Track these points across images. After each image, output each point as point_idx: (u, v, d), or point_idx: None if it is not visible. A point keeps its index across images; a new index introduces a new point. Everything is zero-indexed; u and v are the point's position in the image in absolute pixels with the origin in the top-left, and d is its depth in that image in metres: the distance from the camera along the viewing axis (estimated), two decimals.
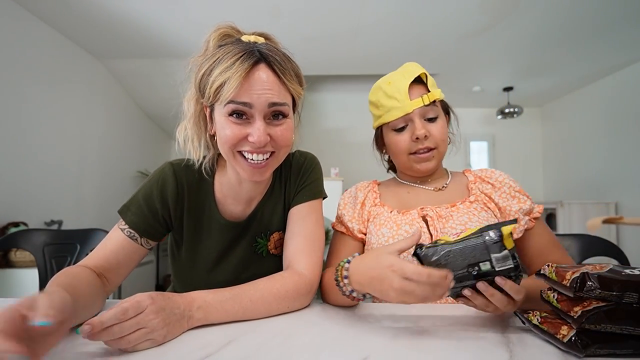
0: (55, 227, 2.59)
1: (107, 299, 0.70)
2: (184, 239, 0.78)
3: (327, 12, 2.59)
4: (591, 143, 4.07)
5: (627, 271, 0.47)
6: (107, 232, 0.77)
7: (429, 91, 0.85)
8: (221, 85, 0.62)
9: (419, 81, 0.86)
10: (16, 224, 2.21)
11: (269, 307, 0.64)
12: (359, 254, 0.65)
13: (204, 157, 0.76)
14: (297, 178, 0.82)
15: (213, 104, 0.67)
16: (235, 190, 0.78)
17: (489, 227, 0.54)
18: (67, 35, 2.75)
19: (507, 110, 4.29)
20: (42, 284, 1.14)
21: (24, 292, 2.08)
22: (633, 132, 3.50)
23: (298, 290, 0.67)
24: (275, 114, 0.67)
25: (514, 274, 0.53)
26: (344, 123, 4.91)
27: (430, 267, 0.52)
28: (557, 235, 0.97)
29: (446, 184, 0.91)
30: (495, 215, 0.82)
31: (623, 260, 1.01)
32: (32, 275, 2.09)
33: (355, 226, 0.87)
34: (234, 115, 0.64)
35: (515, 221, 0.55)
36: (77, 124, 2.93)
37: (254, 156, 0.67)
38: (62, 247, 1.19)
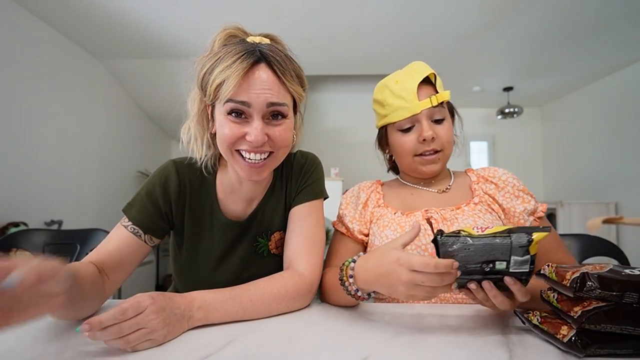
0: (55, 227, 2.59)
1: (108, 299, 0.70)
2: (185, 237, 0.78)
3: (327, 12, 2.59)
4: (591, 143, 4.07)
5: (627, 271, 0.47)
6: (107, 232, 0.77)
7: (437, 92, 0.84)
8: (221, 84, 0.62)
9: (427, 81, 0.85)
10: (16, 224, 2.21)
11: (269, 307, 0.64)
12: (364, 254, 0.65)
13: (206, 156, 0.76)
14: (298, 178, 0.82)
15: (214, 103, 0.67)
16: (236, 190, 0.78)
17: (519, 229, 0.53)
18: (67, 35, 2.75)
19: (507, 110, 4.30)
20: None
21: None
22: (633, 132, 3.50)
23: (298, 291, 0.67)
24: (274, 114, 0.67)
25: (525, 278, 0.53)
26: (344, 123, 4.91)
27: (437, 258, 0.52)
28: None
29: (449, 185, 0.90)
30: (499, 217, 0.81)
31: (623, 260, 1.01)
32: None
33: (355, 227, 0.87)
34: (233, 114, 0.65)
35: (549, 229, 0.52)
36: (77, 124, 2.93)
37: (252, 155, 0.67)
38: (62, 247, 1.19)
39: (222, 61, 0.63)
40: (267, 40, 0.69)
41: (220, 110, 0.66)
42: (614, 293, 0.45)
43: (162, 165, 0.78)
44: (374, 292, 0.62)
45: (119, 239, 0.70)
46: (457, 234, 0.54)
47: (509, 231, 0.53)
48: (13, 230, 2.11)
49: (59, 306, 0.43)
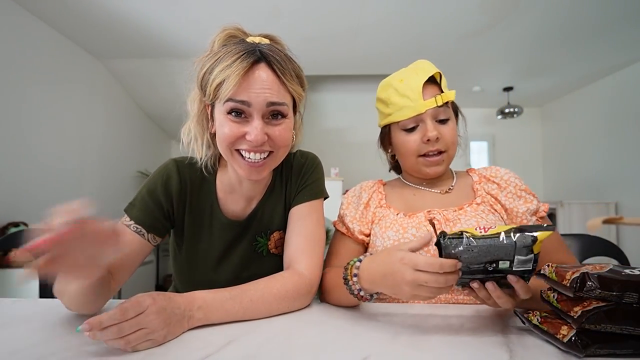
0: None
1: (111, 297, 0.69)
2: (185, 237, 0.78)
3: (327, 12, 2.59)
4: (591, 143, 4.07)
5: (627, 271, 0.47)
6: None
7: (442, 91, 0.83)
8: (221, 83, 0.63)
9: (432, 80, 0.84)
10: (16, 224, 2.22)
11: (269, 307, 0.64)
12: (371, 254, 0.65)
13: (206, 156, 0.76)
14: (298, 178, 0.82)
15: (214, 102, 0.67)
16: (236, 189, 0.78)
17: (523, 229, 0.52)
18: (67, 35, 2.76)
19: (507, 110, 4.30)
20: (42, 284, 1.14)
21: (24, 292, 2.08)
22: (633, 132, 3.50)
23: (298, 291, 0.67)
24: (274, 114, 0.67)
25: (527, 275, 0.53)
26: (344, 123, 4.91)
27: (441, 258, 0.52)
28: None
29: (452, 186, 0.89)
30: (502, 218, 0.81)
31: (623, 260, 1.01)
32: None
33: (356, 227, 0.86)
34: (233, 114, 0.65)
35: (553, 228, 0.52)
36: (77, 124, 2.93)
37: (252, 155, 0.67)
38: None
39: (222, 61, 0.63)
40: (266, 41, 0.69)
41: (220, 110, 0.66)
42: (614, 293, 0.45)
43: (163, 164, 0.78)
44: (376, 293, 0.62)
45: (122, 239, 0.69)
46: (459, 235, 0.54)
47: (513, 231, 0.52)
48: (13, 230, 2.12)
49: (97, 274, 0.49)
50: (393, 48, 3.13)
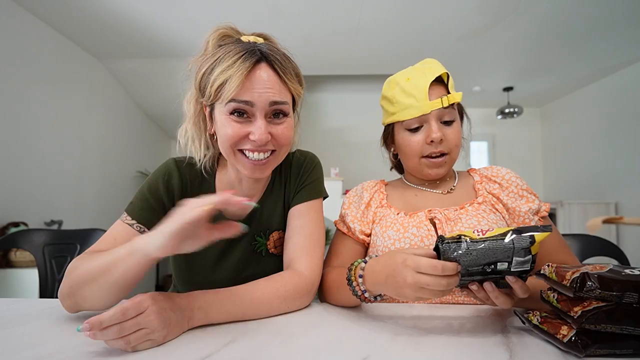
0: (55, 227, 2.59)
1: None
2: None
3: (327, 12, 2.59)
4: (591, 143, 4.07)
5: (627, 271, 0.47)
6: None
7: (448, 92, 0.82)
8: (222, 84, 0.63)
9: (439, 81, 0.83)
10: (16, 224, 2.22)
11: (269, 307, 0.64)
12: (376, 256, 0.65)
13: (205, 156, 0.76)
14: (297, 177, 0.82)
15: (213, 103, 0.67)
16: (235, 188, 0.78)
17: (520, 230, 0.53)
18: (67, 35, 2.76)
19: (507, 110, 4.30)
20: (42, 284, 1.14)
21: (24, 292, 2.09)
22: (633, 132, 3.50)
23: (298, 291, 0.67)
24: (276, 113, 0.67)
25: (525, 275, 0.53)
26: (344, 123, 4.91)
27: (443, 260, 0.52)
28: None
29: (454, 186, 0.89)
30: (503, 217, 0.81)
31: (623, 260, 1.01)
32: (32, 275, 2.09)
33: (357, 227, 0.86)
34: (235, 114, 0.65)
35: (550, 229, 0.52)
36: (77, 124, 2.93)
37: (255, 155, 0.67)
38: (62, 247, 1.19)
39: (223, 61, 0.63)
40: (261, 40, 0.69)
41: (221, 111, 0.66)
42: (614, 293, 0.45)
43: (163, 163, 0.78)
44: (380, 294, 0.62)
45: (125, 236, 0.68)
46: (457, 239, 0.54)
47: (511, 233, 0.52)
48: (13, 230, 2.11)
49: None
50: (393, 48, 3.13)
